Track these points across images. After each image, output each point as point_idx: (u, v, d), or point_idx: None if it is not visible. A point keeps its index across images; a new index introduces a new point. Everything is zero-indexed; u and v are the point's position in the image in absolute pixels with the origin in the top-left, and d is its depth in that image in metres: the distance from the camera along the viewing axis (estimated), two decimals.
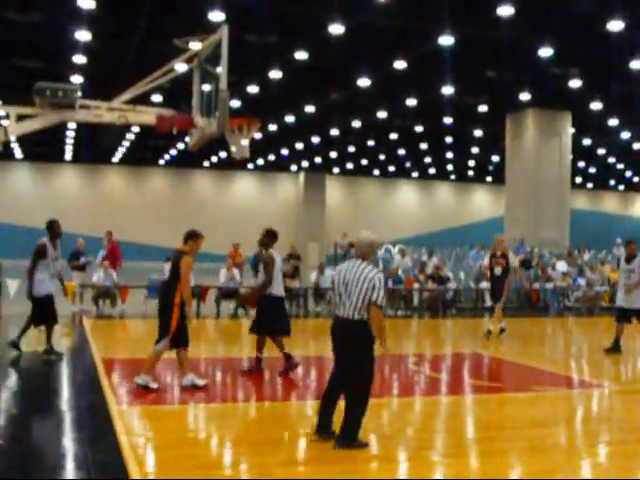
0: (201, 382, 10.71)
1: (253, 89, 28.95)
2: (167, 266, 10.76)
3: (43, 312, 13.45)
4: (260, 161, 53.25)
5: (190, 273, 10.56)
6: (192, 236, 10.65)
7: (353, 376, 7.71)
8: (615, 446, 8.26)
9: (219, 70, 10.97)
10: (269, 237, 12.12)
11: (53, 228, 13.36)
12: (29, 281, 13.37)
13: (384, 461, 7.38)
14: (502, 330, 17.39)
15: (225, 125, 10.76)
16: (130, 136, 41.68)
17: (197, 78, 12.11)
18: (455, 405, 10.37)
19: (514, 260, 18.53)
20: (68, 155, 51.63)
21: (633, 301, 15.18)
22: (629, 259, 15.25)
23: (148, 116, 11.81)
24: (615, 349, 15.25)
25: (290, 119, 35.62)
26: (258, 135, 38.58)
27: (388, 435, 8.39)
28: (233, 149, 11.35)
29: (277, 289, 12.07)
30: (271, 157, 51.31)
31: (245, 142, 11.28)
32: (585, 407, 10.51)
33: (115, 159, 53.66)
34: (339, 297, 7.81)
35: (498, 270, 17.25)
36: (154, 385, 10.50)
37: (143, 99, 12.82)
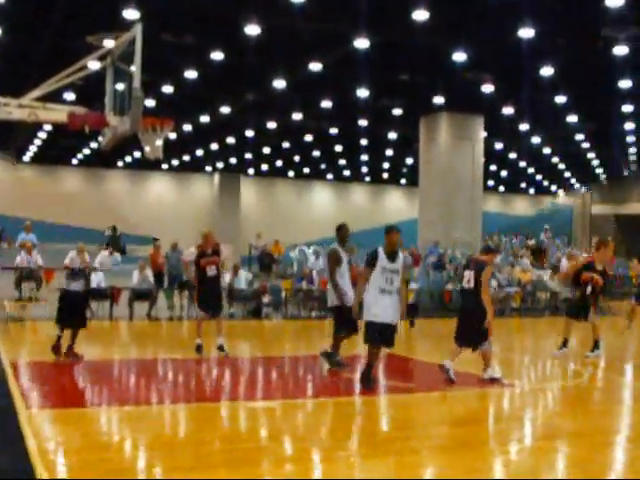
0: (498, 375, 11.82)
1: (168, 89, 28.66)
2: (467, 273, 11.81)
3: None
4: (175, 161, 52.81)
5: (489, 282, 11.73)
6: (492, 250, 12.74)
7: None
8: (525, 444, 8.41)
9: (133, 69, 10.84)
10: None
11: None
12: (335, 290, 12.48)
13: (296, 462, 7.39)
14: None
15: (138, 124, 10.64)
16: (42, 134, 40.86)
17: (110, 76, 11.93)
18: (369, 405, 10.43)
19: (226, 255, 15.99)
20: None
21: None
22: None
23: (59, 114, 11.60)
24: None
25: (205, 119, 35.39)
26: (173, 135, 38.25)
27: (301, 436, 8.39)
28: (146, 149, 11.22)
29: None
30: (186, 157, 50.92)
31: (158, 142, 11.16)
32: (496, 406, 10.67)
33: (26, 157, 52.50)
34: None
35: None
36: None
37: (56, 97, 12.59)
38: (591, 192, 68.07)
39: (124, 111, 11.18)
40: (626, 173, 55.83)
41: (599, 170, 59.07)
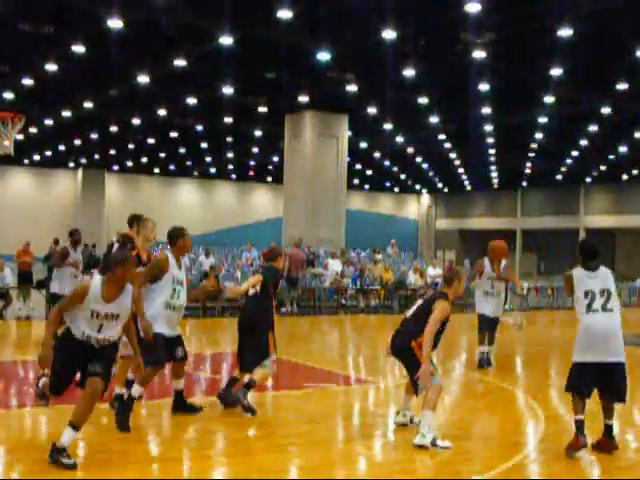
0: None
1: (28, 81, 27.85)
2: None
3: None
4: (36, 157, 51.53)
5: None
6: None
7: None
8: (377, 439, 8.57)
9: None
10: None
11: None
12: None
13: (162, 462, 7.34)
14: None
15: None
16: None
17: None
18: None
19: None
20: None
21: None
22: None
23: None
24: None
25: (67, 114, 34.59)
26: (34, 129, 37.27)
27: (167, 437, 8.32)
28: None
29: None
30: (48, 153, 49.74)
31: (9, 137, 10.85)
32: (354, 403, 10.77)
33: None
34: None
35: None
36: None
37: None
38: (436, 206, 70.61)
39: None
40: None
41: (441, 184, 61.37)
